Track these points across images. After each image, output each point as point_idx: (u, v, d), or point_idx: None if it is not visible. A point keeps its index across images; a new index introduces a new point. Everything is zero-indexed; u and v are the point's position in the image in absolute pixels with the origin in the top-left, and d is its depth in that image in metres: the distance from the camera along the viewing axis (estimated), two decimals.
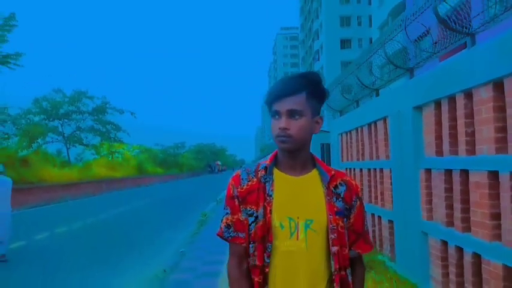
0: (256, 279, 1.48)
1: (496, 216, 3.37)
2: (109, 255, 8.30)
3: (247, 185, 1.52)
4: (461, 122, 3.84)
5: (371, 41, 39.45)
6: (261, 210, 1.47)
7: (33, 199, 19.90)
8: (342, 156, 8.75)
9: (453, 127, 4.03)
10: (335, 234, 1.48)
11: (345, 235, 1.51)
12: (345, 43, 50.29)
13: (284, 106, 1.46)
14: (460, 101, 3.84)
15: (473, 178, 3.66)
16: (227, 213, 1.55)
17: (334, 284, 1.48)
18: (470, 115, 3.72)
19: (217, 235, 1.56)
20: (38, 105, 28.94)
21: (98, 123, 32.43)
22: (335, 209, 1.50)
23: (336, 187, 1.53)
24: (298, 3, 73.79)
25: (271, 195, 1.48)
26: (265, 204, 1.48)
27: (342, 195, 1.53)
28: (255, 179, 1.53)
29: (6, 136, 23.03)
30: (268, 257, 1.46)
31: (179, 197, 24.59)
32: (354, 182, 1.59)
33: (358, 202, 1.57)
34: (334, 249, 1.48)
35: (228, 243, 1.56)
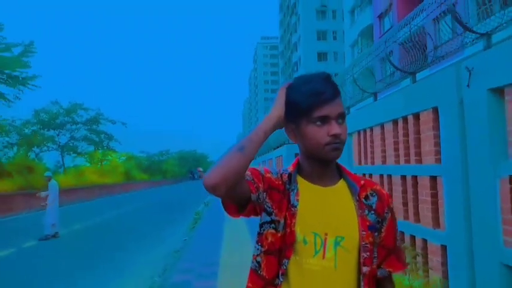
0: None
1: None
2: (126, 242, 10.77)
3: (276, 180, 1.32)
4: (367, 145, 6.52)
5: (344, 56, 42.67)
6: (282, 221, 1.28)
7: (38, 203, 21.88)
8: None
9: (365, 147, 6.71)
10: (368, 253, 1.28)
11: (375, 252, 1.32)
12: (321, 56, 53.54)
13: (335, 109, 1.26)
14: (367, 133, 6.53)
15: (373, 179, 6.34)
16: (247, 176, 1.27)
17: None
18: (371, 141, 6.40)
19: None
20: (36, 117, 30.98)
21: (92, 132, 34.67)
22: (367, 223, 1.29)
23: (366, 198, 1.34)
24: (278, 16, 77.04)
25: (295, 206, 1.27)
26: (287, 213, 1.27)
27: (373, 207, 1.33)
28: (280, 181, 1.32)
29: (10, 145, 25.00)
30: (283, 274, 1.25)
31: (170, 201, 26.97)
32: (385, 192, 1.40)
33: (390, 214, 1.37)
34: (366, 269, 1.28)
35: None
